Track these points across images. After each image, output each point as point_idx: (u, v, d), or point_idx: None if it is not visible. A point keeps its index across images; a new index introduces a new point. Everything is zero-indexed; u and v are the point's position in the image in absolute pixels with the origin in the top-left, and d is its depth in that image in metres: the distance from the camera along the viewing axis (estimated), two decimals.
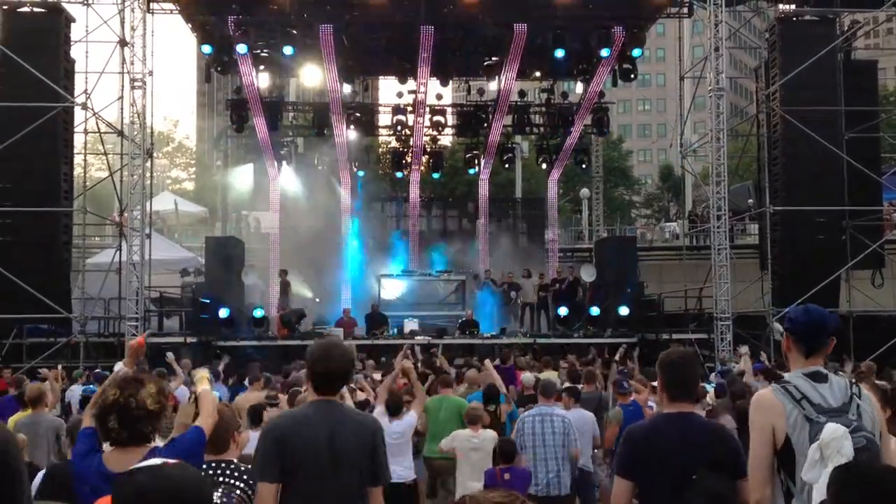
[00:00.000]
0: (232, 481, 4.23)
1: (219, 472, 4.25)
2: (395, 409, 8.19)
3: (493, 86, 24.23)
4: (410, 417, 8.33)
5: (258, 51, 21.79)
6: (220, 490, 4.05)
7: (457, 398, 9.54)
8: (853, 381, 3.54)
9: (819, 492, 3.11)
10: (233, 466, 4.35)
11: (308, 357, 4.03)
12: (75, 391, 11.92)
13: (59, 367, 11.85)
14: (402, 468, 8.06)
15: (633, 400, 9.09)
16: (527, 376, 11.54)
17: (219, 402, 6.60)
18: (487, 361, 11.73)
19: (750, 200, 26.35)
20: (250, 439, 7.61)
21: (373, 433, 3.90)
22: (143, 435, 3.53)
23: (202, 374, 4.77)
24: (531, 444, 7.82)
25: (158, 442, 3.69)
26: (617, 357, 13.84)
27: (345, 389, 6.87)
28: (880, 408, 3.54)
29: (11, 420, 8.97)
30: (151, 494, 2.14)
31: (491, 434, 8.21)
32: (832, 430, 3.20)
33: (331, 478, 3.73)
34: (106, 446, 3.64)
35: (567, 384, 10.27)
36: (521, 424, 7.98)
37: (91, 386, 11.69)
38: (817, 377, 3.45)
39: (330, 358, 3.93)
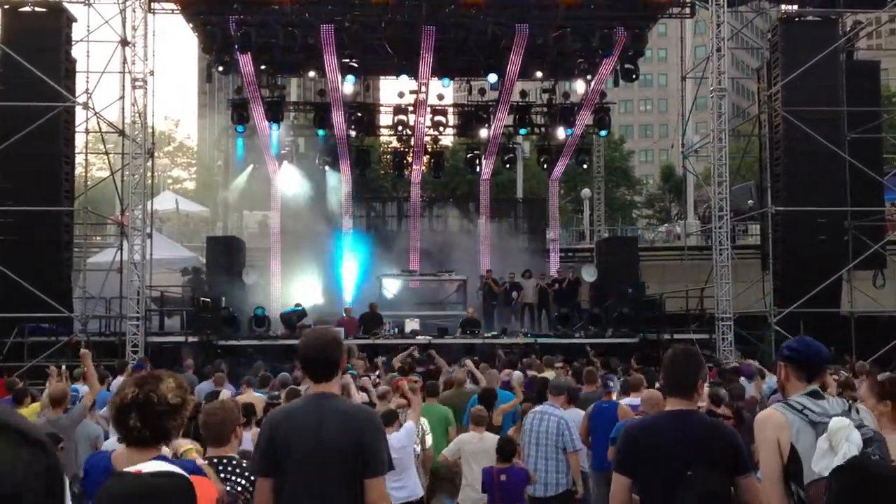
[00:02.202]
0: (233, 477, 4.24)
1: (220, 467, 4.25)
2: (387, 420, 7.03)
3: (493, 80, 24.10)
4: (408, 427, 7.75)
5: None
6: (227, 486, 4.05)
7: (442, 407, 9.47)
8: (848, 400, 3.77)
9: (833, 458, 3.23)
10: (234, 462, 4.35)
11: (298, 346, 4.06)
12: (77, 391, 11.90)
13: (63, 367, 11.83)
14: (409, 484, 7.58)
15: (615, 399, 9.07)
16: (516, 374, 11.61)
17: (225, 399, 6.61)
18: (469, 361, 11.71)
19: (751, 201, 26.32)
20: (244, 437, 7.62)
21: (362, 422, 3.83)
22: (166, 431, 3.41)
23: (187, 446, 3.98)
24: (527, 441, 7.86)
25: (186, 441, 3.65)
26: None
27: (352, 388, 6.68)
28: (879, 401, 3.63)
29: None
30: (126, 499, 2.13)
31: (493, 436, 8.20)
32: (839, 420, 3.33)
33: (318, 469, 3.71)
34: (118, 447, 3.58)
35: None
36: (524, 422, 7.99)
37: (74, 386, 11.63)
38: (815, 394, 3.62)
39: (314, 345, 3.92)
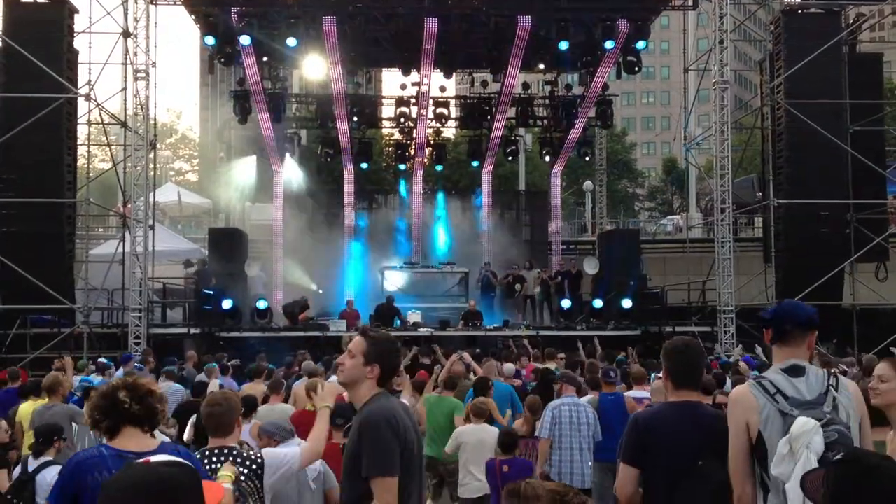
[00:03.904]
0: (237, 467, 4.25)
1: (222, 458, 4.27)
2: None
3: (494, 74, 24.08)
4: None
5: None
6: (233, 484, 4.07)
7: (454, 400, 9.49)
8: (832, 372, 3.55)
9: (793, 491, 3.09)
10: (235, 452, 4.37)
11: (379, 352, 3.88)
12: (75, 381, 11.93)
13: (69, 357, 11.87)
14: None
15: (617, 391, 9.04)
16: (508, 366, 11.71)
17: (227, 390, 6.65)
18: (466, 354, 11.78)
19: (759, 193, 26.29)
20: (243, 429, 7.62)
21: None
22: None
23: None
24: (568, 433, 7.83)
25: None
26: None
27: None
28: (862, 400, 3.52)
29: (25, 409, 8.96)
30: (136, 488, 2.13)
31: (493, 428, 8.22)
32: (802, 423, 3.21)
33: (421, 467, 3.91)
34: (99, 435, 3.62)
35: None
36: (557, 413, 7.95)
37: (87, 377, 11.68)
38: (794, 371, 3.48)
39: (398, 356, 4.11)
